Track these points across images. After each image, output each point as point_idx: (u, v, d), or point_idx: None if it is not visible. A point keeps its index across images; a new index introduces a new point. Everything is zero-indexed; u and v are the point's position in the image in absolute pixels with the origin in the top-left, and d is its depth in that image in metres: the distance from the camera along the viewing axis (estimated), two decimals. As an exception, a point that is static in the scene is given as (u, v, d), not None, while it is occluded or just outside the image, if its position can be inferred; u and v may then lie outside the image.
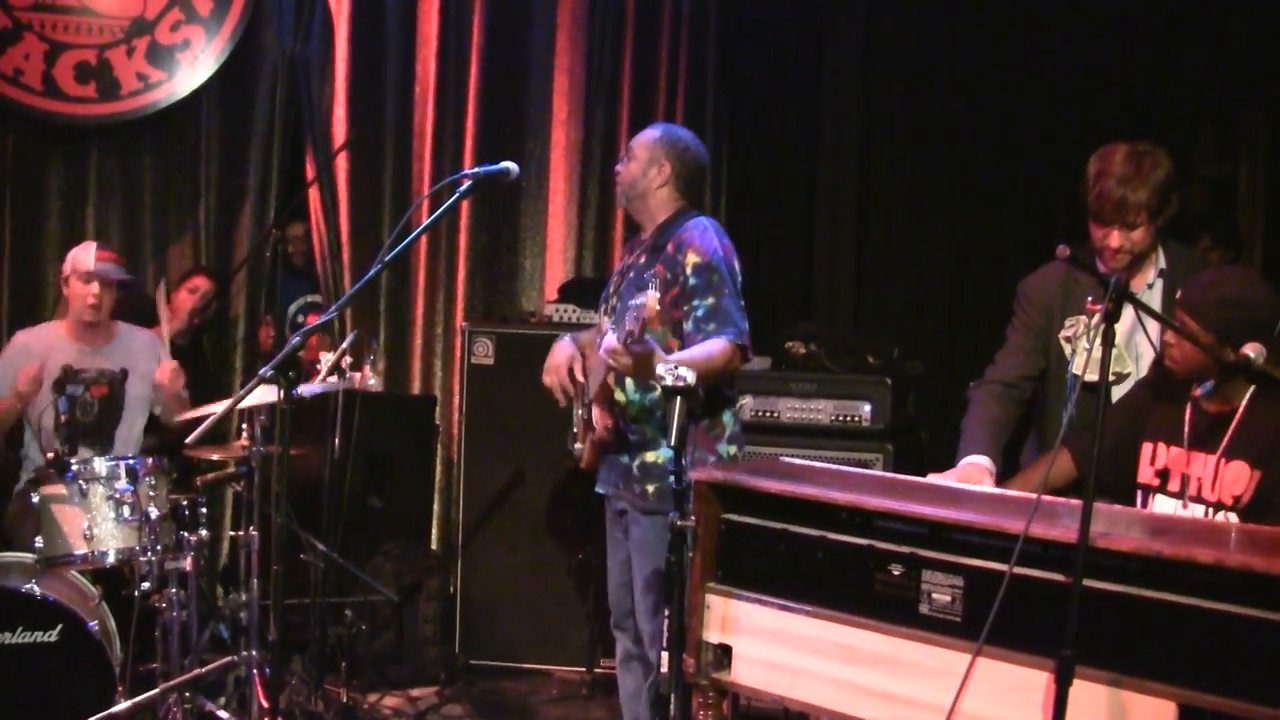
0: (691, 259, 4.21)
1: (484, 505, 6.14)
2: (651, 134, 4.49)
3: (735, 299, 4.23)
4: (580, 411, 4.45)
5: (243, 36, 6.57)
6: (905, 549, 3.13)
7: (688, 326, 4.19)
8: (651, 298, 3.58)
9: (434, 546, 6.74)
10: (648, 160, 4.41)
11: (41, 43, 6.39)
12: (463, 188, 3.85)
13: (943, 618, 3.04)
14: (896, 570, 3.14)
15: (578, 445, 4.49)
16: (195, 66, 6.51)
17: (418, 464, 6.72)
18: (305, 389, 4.54)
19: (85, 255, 5.47)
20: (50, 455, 4.79)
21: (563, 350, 4.51)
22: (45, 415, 5.19)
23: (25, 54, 6.38)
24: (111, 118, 6.51)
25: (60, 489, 4.75)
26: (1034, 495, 2.93)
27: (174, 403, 5.59)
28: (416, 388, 6.89)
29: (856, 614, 3.19)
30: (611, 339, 3.81)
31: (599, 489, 4.55)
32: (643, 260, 4.39)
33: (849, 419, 5.67)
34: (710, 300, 4.18)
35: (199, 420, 3.96)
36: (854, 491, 3.29)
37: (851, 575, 3.23)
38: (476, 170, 3.87)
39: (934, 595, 3.07)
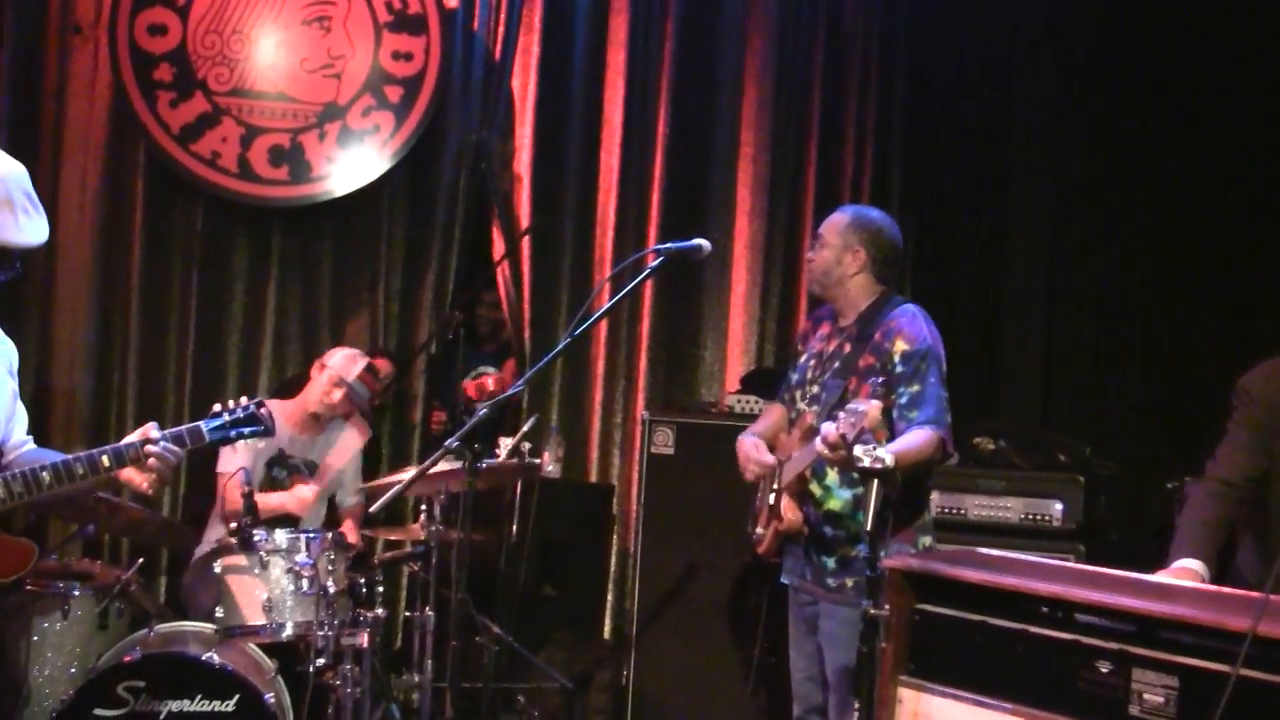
0: (900, 346, 4.12)
1: (659, 596, 6.01)
2: (842, 219, 4.38)
3: (940, 389, 4.12)
4: (767, 496, 4.33)
5: (430, 123, 6.67)
6: (1113, 645, 2.95)
7: (893, 414, 4.07)
8: (874, 408, 3.55)
9: (606, 637, 6.63)
10: (840, 247, 4.30)
11: (239, 127, 6.56)
12: (654, 263, 3.80)
13: (1156, 720, 2.85)
14: (1104, 667, 2.96)
15: (759, 530, 4.38)
16: (383, 151, 6.62)
17: (592, 553, 6.65)
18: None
19: (351, 366, 5.75)
20: (233, 526, 4.83)
21: (749, 441, 4.44)
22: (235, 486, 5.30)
23: (223, 137, 6.55)
24: (301, 200, 6.64)
25: (241, 560, 4.77)
26: (1258, 594, 2.74)
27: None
28: (594, 476, 6.84)
29: (1059, 713, 3.03)
30: (831, 430, 3.68)
31: (784, 579, 4.44)
32: (847, 349, 4.26)
33: (1039, 518, 5.49)
34: (915, 388, 4.08)
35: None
36: (1056, 583, 3.12)
37: (1054, 671, 3.06)
38: (668, 246, 3.83)
39: (1145, 695, 2.87)
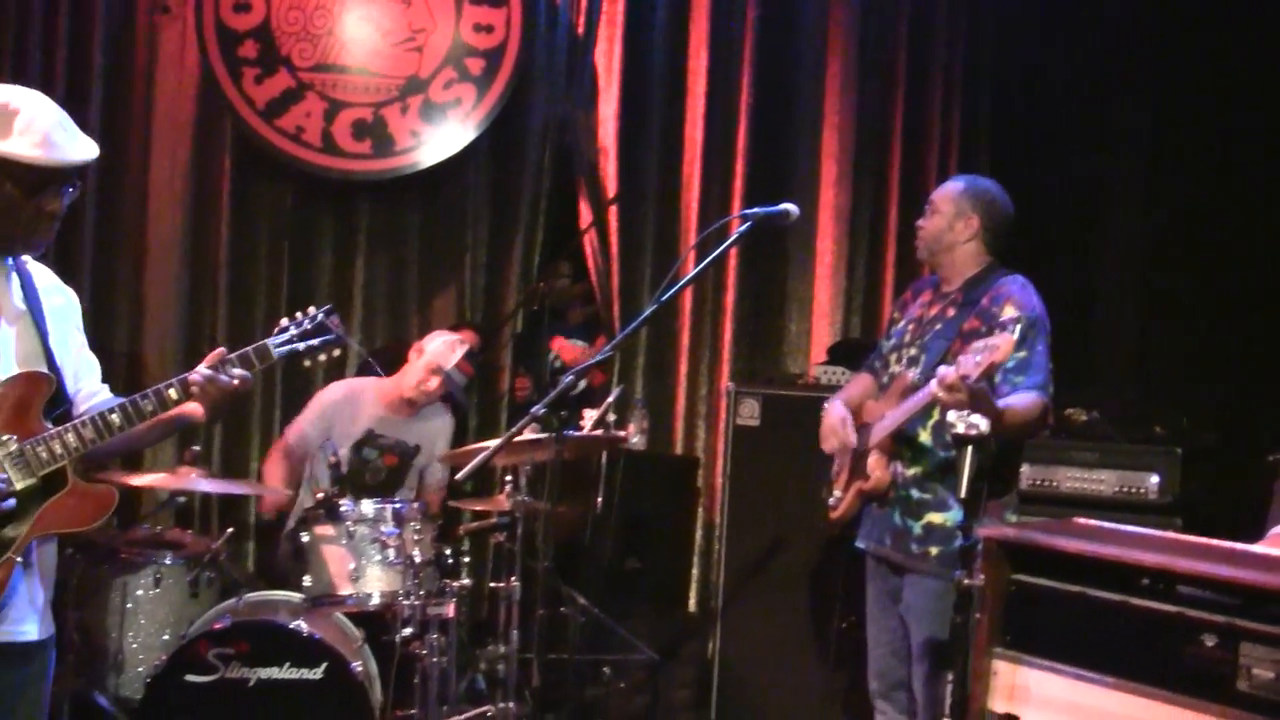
0: (1009, 311, 4.06)
1: (745, 569, 5.94)
2: (955, 186, 4.35)
3: (1048, 360, 4.06)
4: (849, 458, 4.27)
5: (512, 95, 6.66)
6: (1220, 618, 2.86)
7: (996, 379, 3.99)
8: (1008, 340, 3.53)
9: (692, 609, 6.60)
10: (953, 214, 4.26)
11: (322, 101, 6.58)
12: (742, 228, 3.75)
13: (1266, 697, 2.75)
14: (1210, 641, 2.87)
15: (836, 493, 4.33)
16: (466, 124, 6.61)
17: (678, 525, 6.61)
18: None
19: (449, 354, 5.67)
20: (320, 495, 4.84)
21: (836, 412, 4.38)
22: (318, 459, 5.30)
23: (307, 112, 6.58)
24: (384, 174, 6.67)
25: (329, 529, 4.79)
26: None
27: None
28: (679, 448, 6.80)
29: (1163, 687, 2.91)
30: (948, 371, 3.64)
31: (860, 544, 4.38)
32: (951, 313, 4.21)
33: (1134, 491, 5.36)
34: (1023, 353, 4.00)
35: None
36: (1160, 554, 3.03)
37: (1157, 645, 2.95)
38: (756, 210, 3.77)
39: (1255, 671, 2.78)
